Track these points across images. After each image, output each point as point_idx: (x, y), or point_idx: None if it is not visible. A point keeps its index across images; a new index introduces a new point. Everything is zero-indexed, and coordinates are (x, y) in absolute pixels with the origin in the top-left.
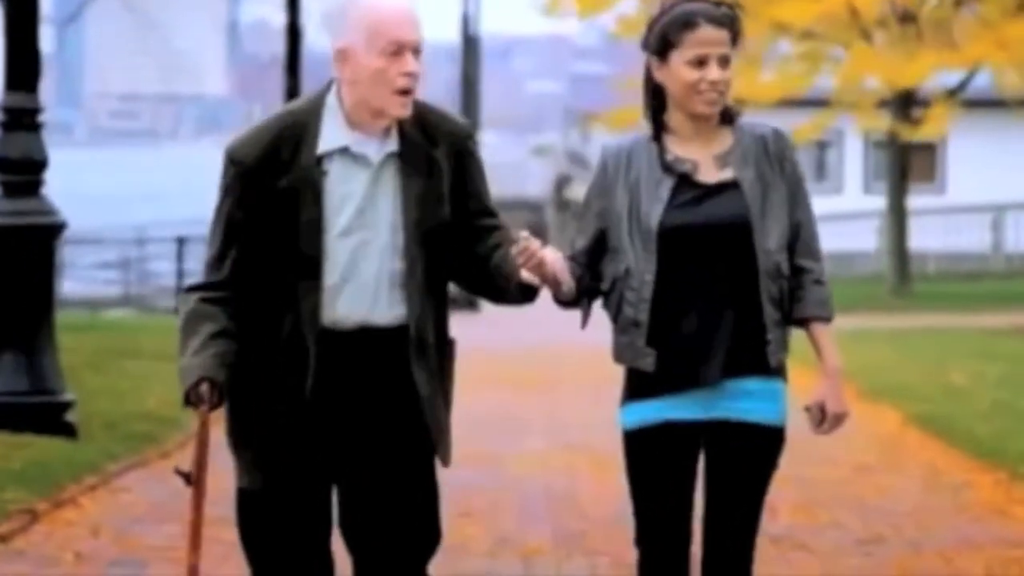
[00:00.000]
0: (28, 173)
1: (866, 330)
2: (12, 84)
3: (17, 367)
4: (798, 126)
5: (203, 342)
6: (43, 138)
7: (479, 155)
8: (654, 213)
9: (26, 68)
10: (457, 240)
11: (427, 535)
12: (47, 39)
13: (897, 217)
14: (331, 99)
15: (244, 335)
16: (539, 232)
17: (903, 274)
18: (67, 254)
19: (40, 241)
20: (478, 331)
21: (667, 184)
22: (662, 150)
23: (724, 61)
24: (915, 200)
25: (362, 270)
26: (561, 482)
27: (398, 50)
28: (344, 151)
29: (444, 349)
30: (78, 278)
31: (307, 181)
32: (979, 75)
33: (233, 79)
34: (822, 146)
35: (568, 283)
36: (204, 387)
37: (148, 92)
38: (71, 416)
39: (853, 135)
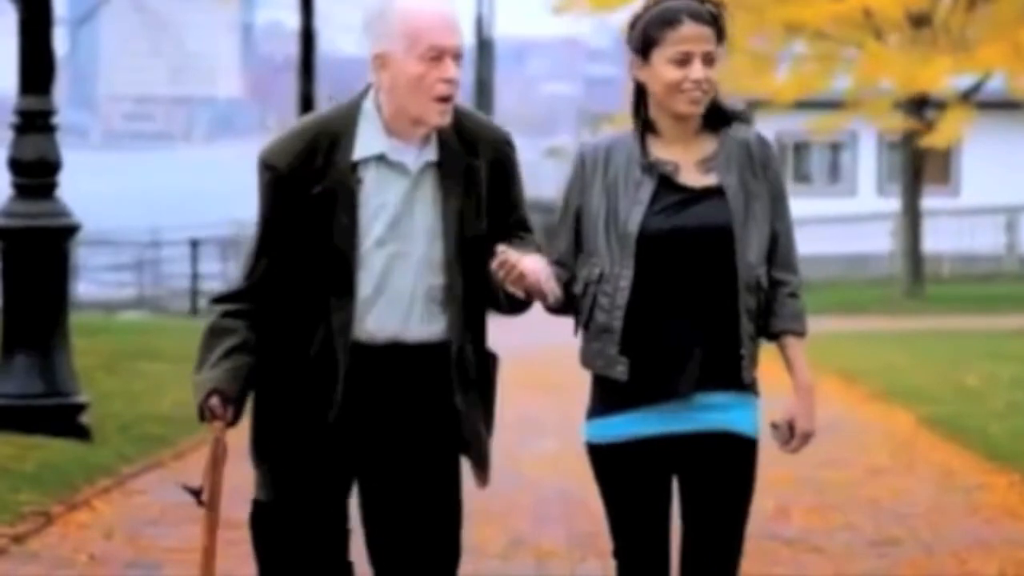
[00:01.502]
0: (42, 175)
1: (880, 332)
2: (26, 87)
3: (31, 369)
4: (812, 127)
5: (219, 357)
6: (57, 140)
7: (518, 164)
8: (634, 216)
9: (40, 70)
10: (490, 252)
11: (448, 552)
12: (60, 41)
13: (911, 219)
14: (368, 105)
15: (273, 347)
16: (551, 234)
17: (917, 276)
18: (81, 256)
19: (54, 243)
20: (491, 333)
21: (648, 186)
22: (643, 151)
23: (708, 59)
24: (929, 202)
25: (396, 283)
26: (575, 484)
27: (438, 56)
28: (380, 159)
29: (486, 365)
30: (92, 280)
31: (341, 188)
32: (993, 77)
33: (247, 81)
34: (836, 148)
35: (554, 291)
36: (215, 400)
37: (161, 94)
38: (85, 418)
39: (867, 137)
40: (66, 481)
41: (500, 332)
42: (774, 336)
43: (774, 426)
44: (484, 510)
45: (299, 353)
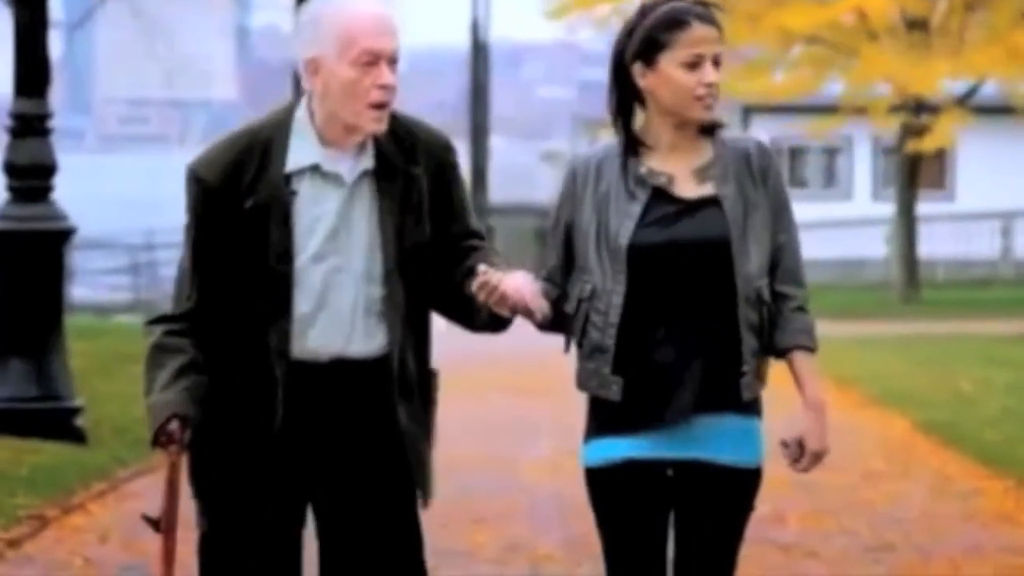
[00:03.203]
0: (37, 178)
1: (875, 337)
2: (21, 90)
3: (26, 373)
4: (808, 130)
5: (171, 377)
6: (52, 143)
7: (459, 169)
8: (624, 230)
9: (35, 74)
10: (435, 262)
11: (409, 574)
12: (56, 45)
13: (906, 224)
14: (301, 113)
15: (210, 369)
16: (545, 238)
17: (912, 281)
18: (77, 259)
19: (49, 246)
20: (487, 336)
21: (640, 199)
22: (635, 162)
23: (717, 61)
24: (924, 207)
25: (336, 298)
26: (571, 488)
27: (372, 60)
28: (315, 169)
29: (427, 381)
30: (88, 283)
31: (274, 201)
32: (988, 82)
33: (242, 85)
34: (831, 152)
35: (542, 309)
36: (175, 424)
37: (157, 97)
38: (80, 421)
39: (862, 141)
40: (61, 484)
41: (500, 336)
42: (781, 353)
43: (784, 444)
44: (479, 514)
45: (235, 375)
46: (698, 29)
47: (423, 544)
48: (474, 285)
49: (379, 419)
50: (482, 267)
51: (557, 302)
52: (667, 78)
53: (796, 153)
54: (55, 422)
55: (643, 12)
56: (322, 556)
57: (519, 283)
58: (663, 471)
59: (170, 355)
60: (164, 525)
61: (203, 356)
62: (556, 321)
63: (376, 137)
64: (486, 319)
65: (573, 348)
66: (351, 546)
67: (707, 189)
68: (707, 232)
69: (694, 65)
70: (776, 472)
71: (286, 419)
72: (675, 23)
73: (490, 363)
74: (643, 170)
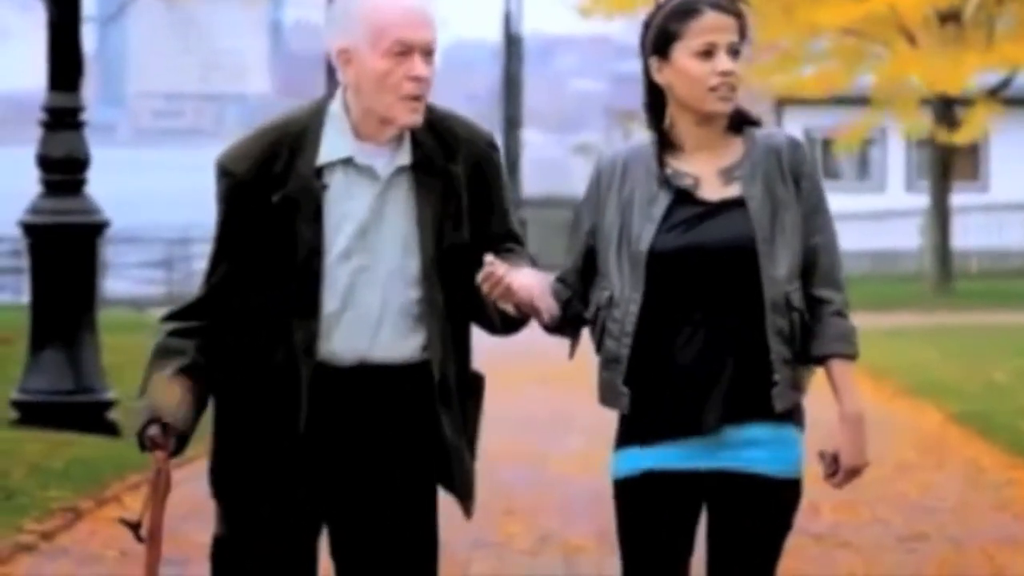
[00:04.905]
0: (70, 172)
1: (908, 328)
2: (55, 84)
3: (60, 366)
4: (841, 123)
5: None
6: (85, 137)
7: (503, 168)
8: (645, 234)
9: (68, 68)
10: (474, 265)
11: None
12: (89, 38)
13: (940, 215)
14: (335, 105)
15: (231, 369)
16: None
17: (946, 272)
18: (110, 253)
19: (82, 240)
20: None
21: (662, 201)
22: (660, 162)
23: (733, 50)
24: (958, 198)
25: (363, 299)
26: (604, 480)
27: (405, 51)
28: (347, 162)
29: (469, 388)
30: (122, 277)
31: (304, 194)
32: (1021, 73)
33: (276, 78)
34: (865, 144)
35: (550, 309)
36: (154, 429)
37: (190, 91)
38: (114, 414)
39: (896, 133)
40: (95, 477)
41: (533, 328)
42: (819, 360)
43: (821, 456)
44: (512, 506)
45: (260, 374)
46: (711, 16)
47: (438, 555)
48: (479, 276)
49: (416, 430)
50: (489, 257)
51: (567, 304)
52: (680, 69)
53: (829, 144)
54: (88, 415)
55: (659, 5)
56: (336, 564)
57: (528, 280)
58: (693, 484)
59: (168, 358)
60: (147, 533)
61: (221, 355)
62: (564, 324)
63: (415, 132)
64: (497, 319)
65: (592, 354)
66: (364, 562)
67: (733, 190)
68: (731, 235)
69: (707, 54)
70: (809, 463)
71: (310, 422)
72: (686, 12)
73: (524, 356)
74: (668, 171)
